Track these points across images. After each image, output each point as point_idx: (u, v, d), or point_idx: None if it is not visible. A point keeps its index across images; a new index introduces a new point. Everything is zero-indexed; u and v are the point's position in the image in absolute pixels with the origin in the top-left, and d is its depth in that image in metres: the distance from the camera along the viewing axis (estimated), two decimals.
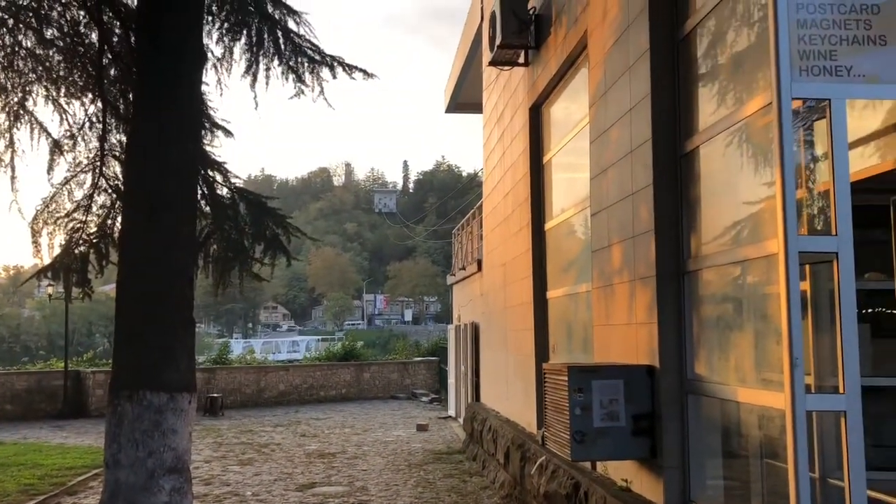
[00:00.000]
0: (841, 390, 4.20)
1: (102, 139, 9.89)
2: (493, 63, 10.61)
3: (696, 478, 5.42)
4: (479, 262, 14.55)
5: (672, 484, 5.47)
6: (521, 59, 10.18)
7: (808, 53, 4.36)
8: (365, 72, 9.86)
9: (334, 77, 9.93)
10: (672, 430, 5.51)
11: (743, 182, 4.98)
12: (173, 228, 7.33)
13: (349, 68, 9.86)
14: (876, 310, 6.93)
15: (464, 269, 17.26)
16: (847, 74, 4.36)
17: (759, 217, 4.65)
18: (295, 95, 10.05)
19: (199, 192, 10.87)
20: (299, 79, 9.83)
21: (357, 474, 11.34)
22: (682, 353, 5.58)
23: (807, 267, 5.82)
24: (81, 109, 10.20)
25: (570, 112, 8.71)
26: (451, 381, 18.70)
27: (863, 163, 6.29)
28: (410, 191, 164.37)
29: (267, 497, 9.63)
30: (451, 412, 18.51)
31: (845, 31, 4.36)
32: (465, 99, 18.10)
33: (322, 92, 9.98)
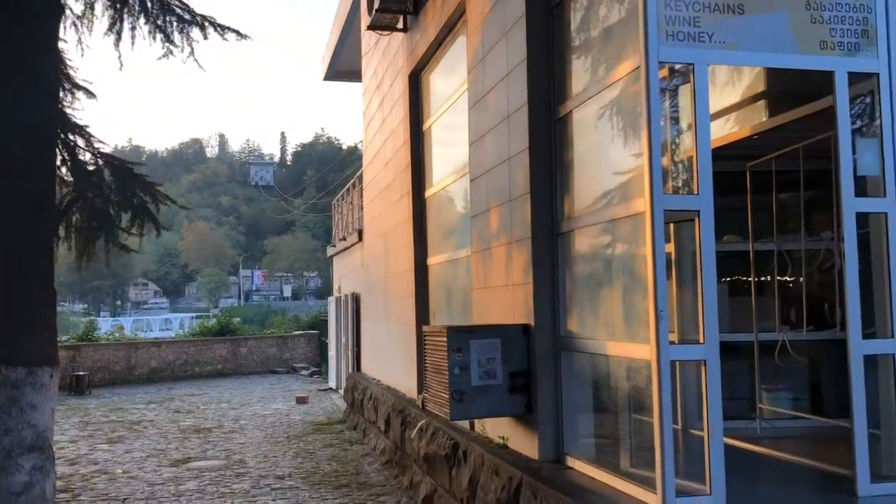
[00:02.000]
0: (701, 340, 4.45)
1: None
2: (371, 27, 10.48)
3: (568, 431, 5.62)
4: (360, 232, 14.45)
5: (546, 438, 5.65)
6: (400, 25, 10.10)
7: (673, 19, 4.52)
8: (238, 33, 9.51)
9: (205, 38, 9.54)
10: (546, 386, 5.68)
11: (613, 145, 5.15)
12: (28, 193, 6.87)
13: (221, 29, 9.49)
14: (734, 276, 7.39)
15: (344, 239, 17.10)
16: (709, 41, 4.56)
17: (627, 178, 4.82)
18: (163, 56, 9.59)
19: (60, 157, 10.24)
20: (167, 38, 9.38)
21: (234, 448, 11.10)
22: (555, 311, 5.74)
23: (671, 229, 6.06)
24: None
25: (449, 78, 8.72)
26: (332, 353, 18.57)
27: (723, 131, 6.65)
28: (288, 163, 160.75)
29: (138, 474, 9.28)
30: (332, 384, 18.41)
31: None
32: (344, 66, 17.78)
33: (192, 53, 9.57)
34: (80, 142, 10.56)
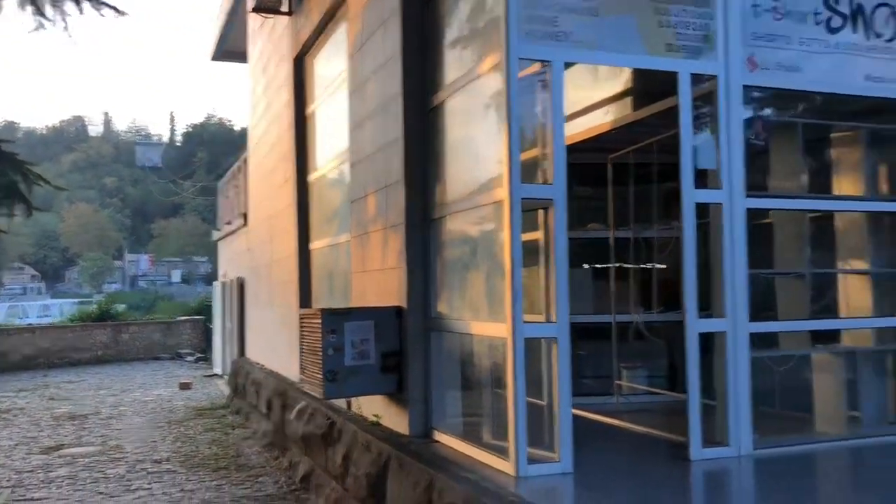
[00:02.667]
0: (553, 319, 4.78)
1: None
2: (255, 10, 10.41)
3: (437, 408, 5.88)
4: (245, 216, 14.31)
5: (416, 415, 5.90)
6: (285, 8, 10.08)
7: (533, 19, 4.81)
8: (116, 9, 9.29)
9: (80, 12, 9.28)
10: (416, 366, 5.92)
11: (479, 135, 5.41)
12: None
13: (98, 3, 9.24)
14: (597, 262, 7.84)
15: (230, 223, 16.86)
16: (566, 40, 4.87)
17: (491, 168, 5.08)
18: (35, 29, 9.26)
19: None
20: (39, 11, 9.06)
21: (112, 434, 10.87)
22: (427, 293, 5.98)
23: (540, 216, 6.40)
24: None
25: (332, 64, 8.81)
26: (217, 338, 18.31)
27: (592, 124, 7.05)
28: (178, 144, 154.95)
29: (6, 462, 8.99)
30: (218, 370, 18.16)
31: (564, 0, 4.85)
32: (232, 47, 17.41)
33: (66, 27, 9.29)
34: None
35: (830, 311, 6.01)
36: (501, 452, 4.80)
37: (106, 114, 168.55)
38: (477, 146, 5.45)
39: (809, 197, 5.82)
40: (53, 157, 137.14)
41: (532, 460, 4.67)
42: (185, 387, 15.85)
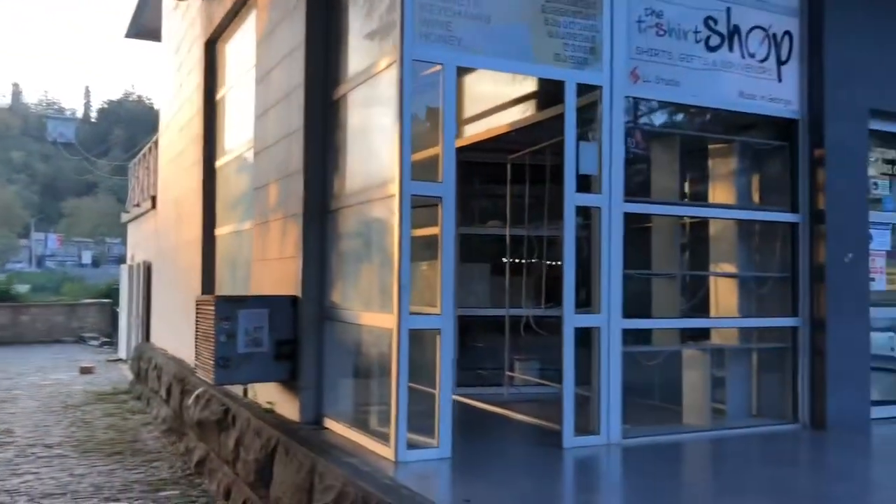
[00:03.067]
0: (438, 311, 4.99)
1: None
2: None
3: (328, 395, 6.02)
4: (154, 199, 14.07)
5: (307, 402, 6.03)
6: None
7: (429, 22, 5.00)
8: None
9: None
10: (309, 354, 6.05)
11: (375, 131, 5.58)
12: None
13: None
14: (496, 258, 8.11)
15: (138, 205, 16.53)
16: (459, 45, 5.08)
17: (384, 164, 5.24)
18: None
19: None
20: None
21: (3, 417, 10.60)
22: (322, 284, 6.11)
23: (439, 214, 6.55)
24: None
25: (243, 51, 8.79)
26: (123, 322, 17.93)
27: (492, 125, 7.29)
28: (93, 120, 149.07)
29: None
30: (122, 354, 17.79)
31: (459, 6, 5.05)
32: (148, 24, 17.04)
33: None
34: None
35: (701, 310, 6.42)
36: (385, 439, 4.99)
37: (15, 85, 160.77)
38: (373, 142, 5.61)
39: (682, 204, 6.23)
40: None
41: (414, 446, 4.88)
42: (86, 371, 15.49)
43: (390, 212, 5.00)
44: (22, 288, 25.15)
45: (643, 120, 5.99)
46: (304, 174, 6.12)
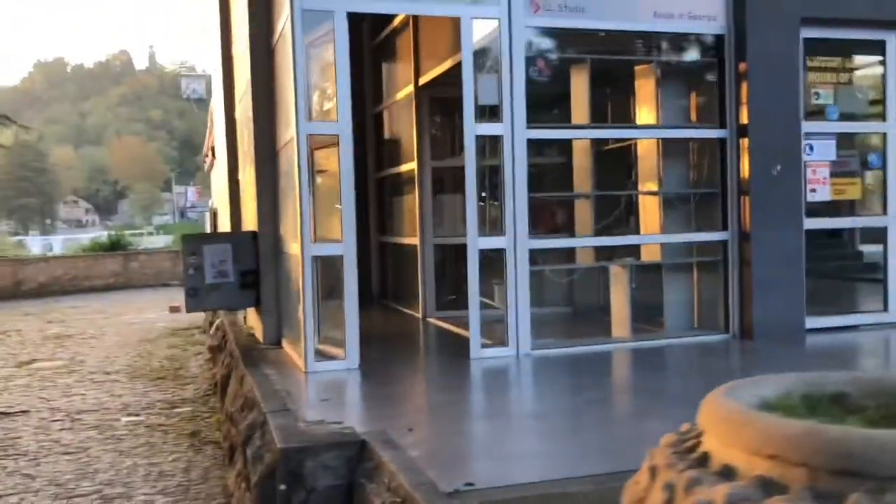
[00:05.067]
0: (340, 239, 5.56)
1: None
2: None
3: (285, 319, 6.76)
4: (213, 149, 15.19)
5: (269, 326, 6.79)
6: None
7: None
8: None
9: None
10: (268, 283, 6.79)
11: (288, 79, 6.12)
12: None
13: None
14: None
15: (206, 156, 17.78)
16: None
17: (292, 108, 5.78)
18: None
19: None
20: None
21: (84, 351, 12.10)
22: (275, 219, 6.80)
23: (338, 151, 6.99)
24: None
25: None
26: None
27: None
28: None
29: None
30: None
31: None
32: None
33: None
34: None
35: (621, 228, 6.65)
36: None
37: (151, 47, 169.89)
38: (285, 88, 6.16)
39: (584, 127, 6.41)
40: (102, 90, 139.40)
41: (330, 358, 5.54)
42: (174, 310, 17.04)
43: (293, 150, 5.57)
44: (161, 241, 27.28)
45: (556, 46, 6.16)
46: (254, 120, 6.76)
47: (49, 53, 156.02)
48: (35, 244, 59.21)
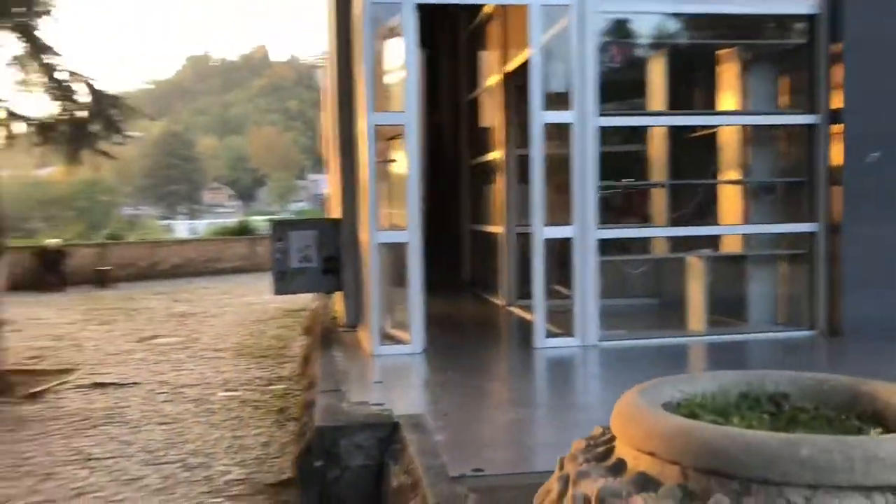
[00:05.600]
0: (406, 228, 5.69)
1: None
2: None
3: (362, 303, 6.96)
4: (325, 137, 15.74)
5: (349, 310, 7.03)
6: None
7: None
8: None
9: None
10: (348, 269, 7.01)
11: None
12: None
13: None
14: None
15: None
16: None
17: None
18: None
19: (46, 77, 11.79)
20: None
21: (202, 329, 12.89)
22: (355, 208, 7.00)
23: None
24: None
25: None
26: None
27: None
28: None
29: (103, 346, 11.15)
30: None
31: None
32: None
33: None
34: (59, 61, 12.01)
35: (700, 218, 6.41)
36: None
37: (288, 40, 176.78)
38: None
39: (659, 114, 6.19)
40: (243, 82, 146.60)
41: (398, 342, 5.71)
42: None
43: (362, 141, 5.73)
44: (257, 223, 28.66)
45: (632, 31, 6.01)
46: (338, 111, 6.99)
47: (198, 49, 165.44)
48: (181, 228, 63.27)
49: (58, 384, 8.62)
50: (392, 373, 5.28)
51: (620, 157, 5.96)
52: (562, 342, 5.78)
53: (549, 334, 5.77)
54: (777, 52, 6.17)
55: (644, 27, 6.08)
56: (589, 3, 5.64)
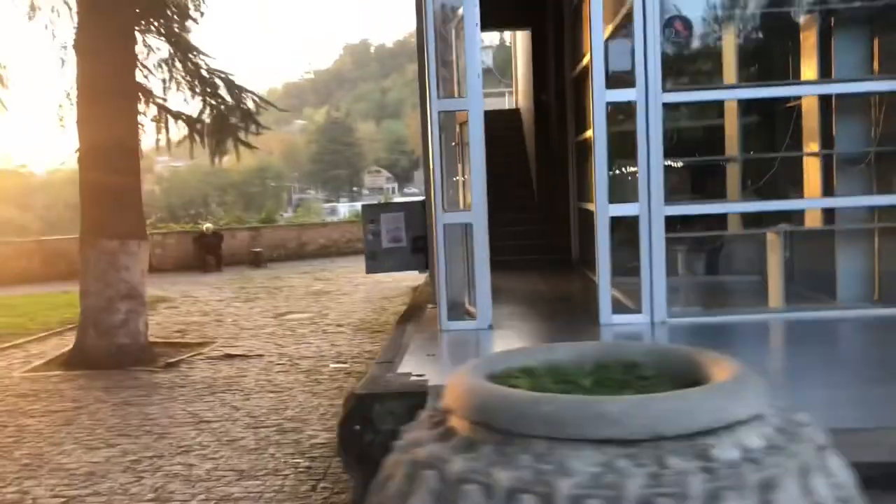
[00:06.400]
0: (468, 209, 5.91)
1: None
2: None
3: (451, 279, 7.25)
4: None
5: (440, 286, 7.33)
6: None
7: None
8: None
9: None
10: (433, 248, 7.31)
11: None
12: (117, 109, 9.52)
13: None
14: None
15: None
16: None
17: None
18: None
19: (186, 74, 12.95)
20: None
21: (333, 305, 13.71)
22: (443, 189, 7.28)
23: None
24: None
25: None
26: None
27: None
28: (507, 44, 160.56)
29: (240, 321, 12.17)
30: None
31: None
32: None
33: None
34: (204, 60, 13.13)
35: (776, 192, 6.15)
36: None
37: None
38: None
39: (726, 87, 5.98)
40: (399, 67, 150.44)
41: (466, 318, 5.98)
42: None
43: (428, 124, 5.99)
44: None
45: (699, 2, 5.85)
46: (419, 95, 7.28)
47: (356, 37, 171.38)
48: (343, 210, 66.24)
49: (192, 355, 9.57)
50: (451, 347, 5.55)
51: (695, 132, 5.84)
52: (629, 318, 5.81)
53: (617, 310, 5.81)
54: (867, 13, 5.81)
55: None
56: None
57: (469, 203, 6.16)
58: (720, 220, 6.25)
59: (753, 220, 6.18)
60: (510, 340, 5.65)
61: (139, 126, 11.04)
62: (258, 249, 21.83)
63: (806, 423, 1.58)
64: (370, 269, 7.72)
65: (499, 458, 1.42)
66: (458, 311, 6.39)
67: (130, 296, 9.43)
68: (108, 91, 9.58)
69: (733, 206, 6.19)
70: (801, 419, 1.58)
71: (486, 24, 6.31)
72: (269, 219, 25.44)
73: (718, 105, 6.20)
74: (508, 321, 5.90)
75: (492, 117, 8.36)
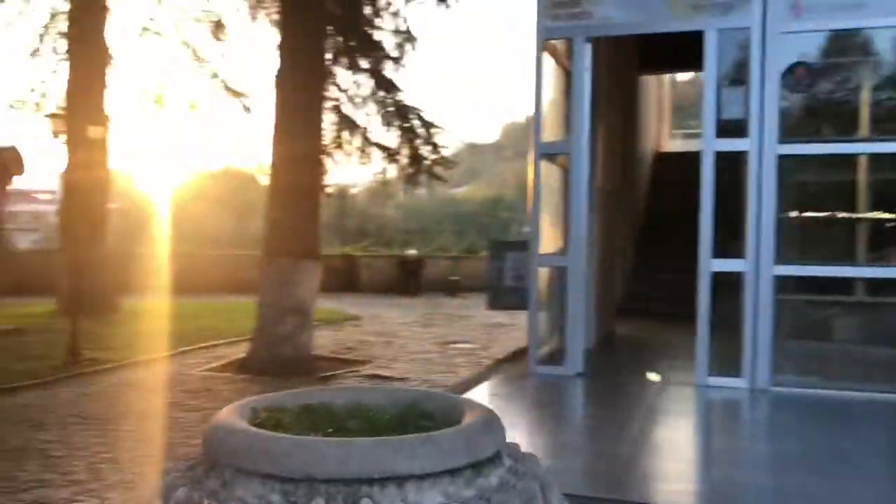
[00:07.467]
0: (565, 254, 5.91)
1: None
2: None
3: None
4: None
5: (531, 328, 7.31)
6: None
7: (558, 3, 5.89)
8: None
9: None
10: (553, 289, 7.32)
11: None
12: (301, 138, 10.52)
13: None
14: None
15: None
16: (588, 18, 5.84)
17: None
18: None
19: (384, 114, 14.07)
20: None
21: (502, 339, 13.88)
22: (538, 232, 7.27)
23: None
24: None
25: None
26: None
27: None
28: None
29: (408, 344, 12.73)
30: None
31: None
32: None
33: None
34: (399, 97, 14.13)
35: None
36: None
37: None
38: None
39: (849, 140, 5.38)
40: None
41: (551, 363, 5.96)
42: None
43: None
44: None
45: (822, 50, 5.39)
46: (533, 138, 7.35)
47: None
48: None
49: (346, 372, 10.22)
50: (524, 392, 5.55)
51: (818, 187, 5.35)
52: (727, 382, 5.43)
53: (714, 372, 5.47)
54: None
55: (837, 45, 5.39)
56: (771, 23, 5.26)
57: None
58: (847, 283, 5.63)
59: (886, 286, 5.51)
60: (585, 391, 5.53)
61: (329, 159, 12.06)
62: (455, 278, 22.58)
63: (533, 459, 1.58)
64: (491, 305, 7.87)
65: (207, 482, 1.56)
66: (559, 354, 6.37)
67: (298, 311, 10.28)
68: (297, 126, 10.57)
69: (853, 270, 5.57)
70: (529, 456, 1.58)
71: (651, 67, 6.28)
72: (471, 249, 26.27)
73: (849, 159, 5.64)
74: (595, 370, 5.77)
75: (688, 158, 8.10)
